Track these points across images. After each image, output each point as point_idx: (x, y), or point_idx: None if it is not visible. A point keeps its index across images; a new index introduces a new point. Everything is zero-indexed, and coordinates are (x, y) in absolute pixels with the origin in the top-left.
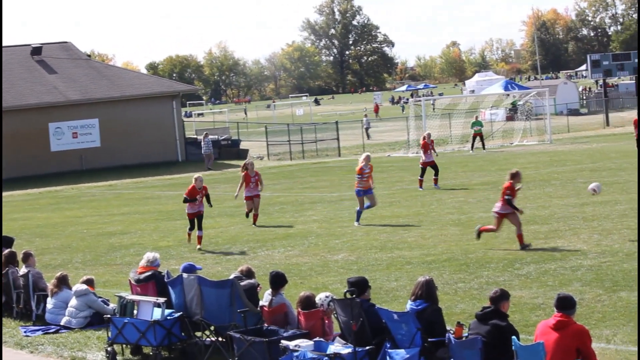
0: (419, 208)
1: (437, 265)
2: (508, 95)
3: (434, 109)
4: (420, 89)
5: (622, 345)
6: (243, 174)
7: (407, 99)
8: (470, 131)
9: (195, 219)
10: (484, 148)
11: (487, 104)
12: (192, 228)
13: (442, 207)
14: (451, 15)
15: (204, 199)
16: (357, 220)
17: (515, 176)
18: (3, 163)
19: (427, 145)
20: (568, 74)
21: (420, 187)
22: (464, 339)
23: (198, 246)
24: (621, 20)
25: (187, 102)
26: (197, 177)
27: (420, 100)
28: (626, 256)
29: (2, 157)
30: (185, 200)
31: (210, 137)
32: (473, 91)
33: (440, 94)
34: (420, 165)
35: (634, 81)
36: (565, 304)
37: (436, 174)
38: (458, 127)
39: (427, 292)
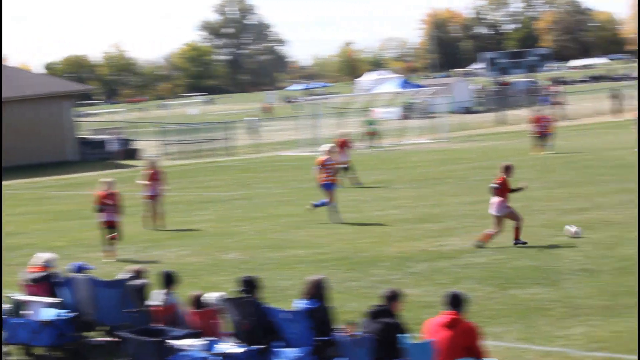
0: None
1: (329, 264)
2: (403, 93)
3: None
4: (315, 87)
5: (514, 342)
6: (147, 172)
7: (297, 98)
8: (364, 129)
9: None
10: (374, 147)
11: (382, 102)
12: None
13: (338, 205)
14: (347, 13)
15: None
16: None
17: (508, 169)
18: None
19: (342, 144)
20: (464, 72)
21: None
22: (355, 337)
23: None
24: (517, 18)
25: (82, 102)
26: (104, 181)
27: (315, 99)
28: (518, 253)
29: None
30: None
31: (104, 136)
32: (368, 90)
33: (335, 93)
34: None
35: (529, 79)
36: (456, 302)
37: (347, 174)
38: (352, 126)
39: (318, 291)
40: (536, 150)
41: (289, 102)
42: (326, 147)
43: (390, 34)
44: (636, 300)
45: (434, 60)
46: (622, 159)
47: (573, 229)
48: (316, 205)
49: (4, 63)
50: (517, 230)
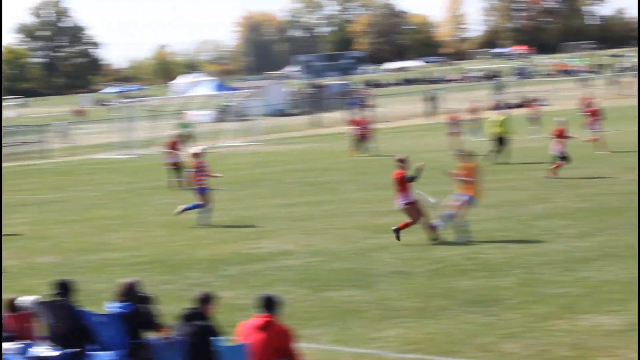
0: (125, 210)
1: (144, 266)
2: (218, 96)
3: (145, 109)
4: (130, 90)
5: (329, 344)
6: None
7: (111, 101)
8: (179, 132)
9: None
10: (181, 151)
11: (197, 104)
12: None
13: (148, 209)
14: (162, 16)
15: None
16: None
17: (403, 162)
18: None
19: (172, 145)
20: (279, 74)
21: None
22: (169, 340)
23: None
24: (331, 21)
25: None
26: None
27: (129, 102)
28: (333, 256)
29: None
30: None
31: None
32: (183, 93)
33: (150, 96)
34: (170, 167)
35: (343, 82)
36: (270, 305)
37: (179, 177)
38: (167, 128)
39: (132, 294)
40: (354, 153)
41: (103, 104)
42: (198, 149)
43: (205, 36)
44: (449, 302)
45: (249, 63)
46: (437, 161)
47: (432, 199)
48: (186, 209)
49: None
50: (406, 225)
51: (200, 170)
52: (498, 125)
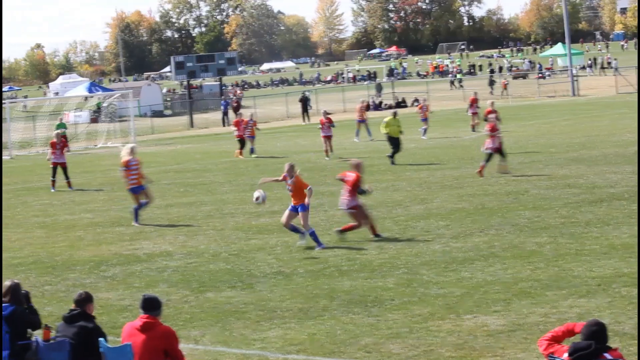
0: (4, 211)
1: (23, 268)
2: (92, 97)
3: (25, 109)
4: (4, 91)
5: (211, 345)
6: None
7: None
8: (54, 133)
9: None
10: (68, 150)
11: (72, 105)
12: None
13: (27, 210)
14: (35, 16)
15: None
16: (136, 220)
17: (359, 167)
18: None
19: (55, 144)
20: (152, 75)
21: (53, 187)
22: (51, 341)
23: None
24: (205, 22)
25: None
26: None
27: (3, 103)
28: (212, 257)
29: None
30: None
31: None
32: (57, 93)
33: (25, 97)
34: (51, 165)
35: (217, 82)
36: (151, 305)
37: (66, 177)
38: (43, 129)
39: (13, 295)
40: (239, 154)
41: None
42: (128, 147)
43: (79, 37)
44: (330, 302)
45: (123, 64)
46: (312, 162)
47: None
48: (136, 218)
49: None
50: (350, 227)
51: (130, 169)
52: (390, 126)
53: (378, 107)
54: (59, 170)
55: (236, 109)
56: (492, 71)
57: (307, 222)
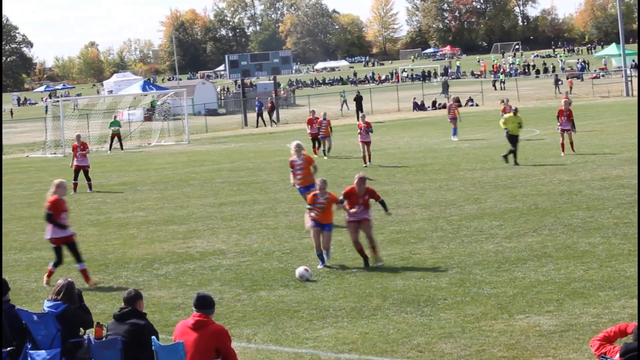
0: None
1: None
2: (146, 95)
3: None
4: (58, 89)
5: (263, 344)
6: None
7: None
8: (108, 131)
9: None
10: (122, 148)
11: (125, 104)
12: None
13: (80, 208)
14: (89, 15)
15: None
16: None
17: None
18: None
19: (76, 148)
20: (206, 74)
21: (75, 190)
22: (103, 339)
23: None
24: (260, 20)
25: None
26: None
27: (58, 101)
28: (265, 255)
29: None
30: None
31: None
32: (111, 91)
33: (79, 95)
34: (73, 169)
35: (272, 81)
36: (204, 304)
37: (87, 180)
38: (96, 128)
39: (66, 294)
40: (315, 152)
41: (32, 104)
42: (294, 144)
43: (134, 35)
44: (383, 302)
45: (177, 62)
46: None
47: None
48: None
49: None
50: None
51: (295, 169)
52: (509, 123)
53: (422, 107)
54: (81, 173)
55: (271, 110)
56: (545, 70)
57: (329, 242)
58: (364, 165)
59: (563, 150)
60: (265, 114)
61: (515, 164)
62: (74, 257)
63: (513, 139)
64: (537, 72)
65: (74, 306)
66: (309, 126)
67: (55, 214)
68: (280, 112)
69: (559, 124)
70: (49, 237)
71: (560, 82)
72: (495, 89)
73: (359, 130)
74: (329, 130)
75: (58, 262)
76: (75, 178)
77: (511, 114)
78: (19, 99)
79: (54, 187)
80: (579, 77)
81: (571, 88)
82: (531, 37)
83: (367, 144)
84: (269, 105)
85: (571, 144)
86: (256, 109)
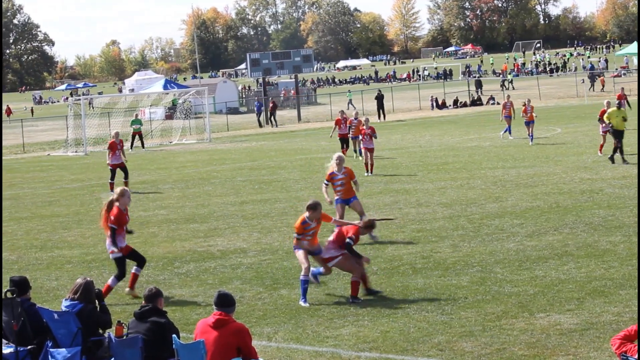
0: (78, 207)
1: (97, 264)
2: (167, 93)
3: (92, 107)
4: (79, 87)
5: (284, 342)
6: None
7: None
8: (130, 130)
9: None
10: (143, 146)
11: (147, 102)
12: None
13: (100, 207)
14: (110, 13)
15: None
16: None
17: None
18: None
19: (115, 145)
20: (228, 72)
21: (112, 190)
22: (124, 337)
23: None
24: (281, 19)
25: None
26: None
27: (80, 99)
28: (286, 254)
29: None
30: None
31: None
32: (133, 90)
33: (100, 93)
34: (110, 167)
35: (293, 80)
36: (224, 302)
37: (126, 177)
38: (117, 126)
39: (84, 293)
40: (345, 152)
41: (47, 102)
42: (335, 157)
43: (155, 33)
44: (404, 300)
45: (199, 61)
46: (386, 159)
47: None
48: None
49: None
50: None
51: (335, 184)
52: (613, 117)
53: (442, 105)
54: (118, 172)
55: (272, 109)
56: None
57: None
58: (365, 174)
59: (600, 151)
60: (263, 115)
61: (624, 162)
62: (138, 261)
63: (618, 134)
64: (554, 70)
65: (91, 306)
66: (337, 126)
67: (120, 229)
68: (301, 111)
69: (603, 125)
70: (118, 247)
71: (595, 80)
72: (502, 90)
73: (360, 137)
74: (358, 131)
75: (121, 275)
76: (113, 177)
77: (614, 108)
78: (34, 98)
79: (117, 196)
80: (600, 75)
81: (603, 86)
82: (553, 36)
83: (370, 150)
84: (271, 105)
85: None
86: (255, 109)
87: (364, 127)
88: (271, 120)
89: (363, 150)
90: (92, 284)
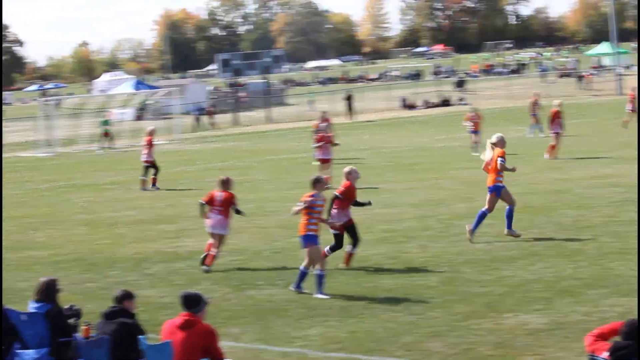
0: (47, 208)
1: (65, 265)
2: (137, 94)
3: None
4: (50, 88)
5: (251, 343)
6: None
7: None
8: (99, 130)
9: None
10: (112, 147)
11: (117, 103)
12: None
13: (70, 207)
14: (82, 14)
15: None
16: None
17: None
18: None
19: (152, 142)
20: (199, 73)
21: (151, 186)
22: (91, 338)
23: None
24: (252, 19)
25: None
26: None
27: (49, 100)
28: (254, 254)
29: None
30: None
31: None
32: (103, 90)
33: (70, 94)
34: (145, 164)
35: (264, 80)
36: (191, 303)
37: (155, 173)
38: (87, 127)
39: (47, 293)
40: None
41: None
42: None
43: (125, 34)
44: (371, 300)
45: (169, 61)
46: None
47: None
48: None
49: None
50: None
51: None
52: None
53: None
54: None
55: (211, 114)
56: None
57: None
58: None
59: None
60: (204, 118)
61: None
62: (353, 240)
63: None
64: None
65: (56, 306)
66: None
67: (350, 198)
68: (272, 111)
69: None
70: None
71: (582, 79)
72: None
73: (319, 144)
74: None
75: (336, 246)
76: (145, 174)
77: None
78: (16, 99)
79: (346, 174)
80: (570, 75)
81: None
82: (524, 36)
83: (327, 161)
84: (211, 109)
85: None
86: (192, 113)
87: (324, 133)
88: (211, 123)
89: (319, 162)
90: (54, 283)
